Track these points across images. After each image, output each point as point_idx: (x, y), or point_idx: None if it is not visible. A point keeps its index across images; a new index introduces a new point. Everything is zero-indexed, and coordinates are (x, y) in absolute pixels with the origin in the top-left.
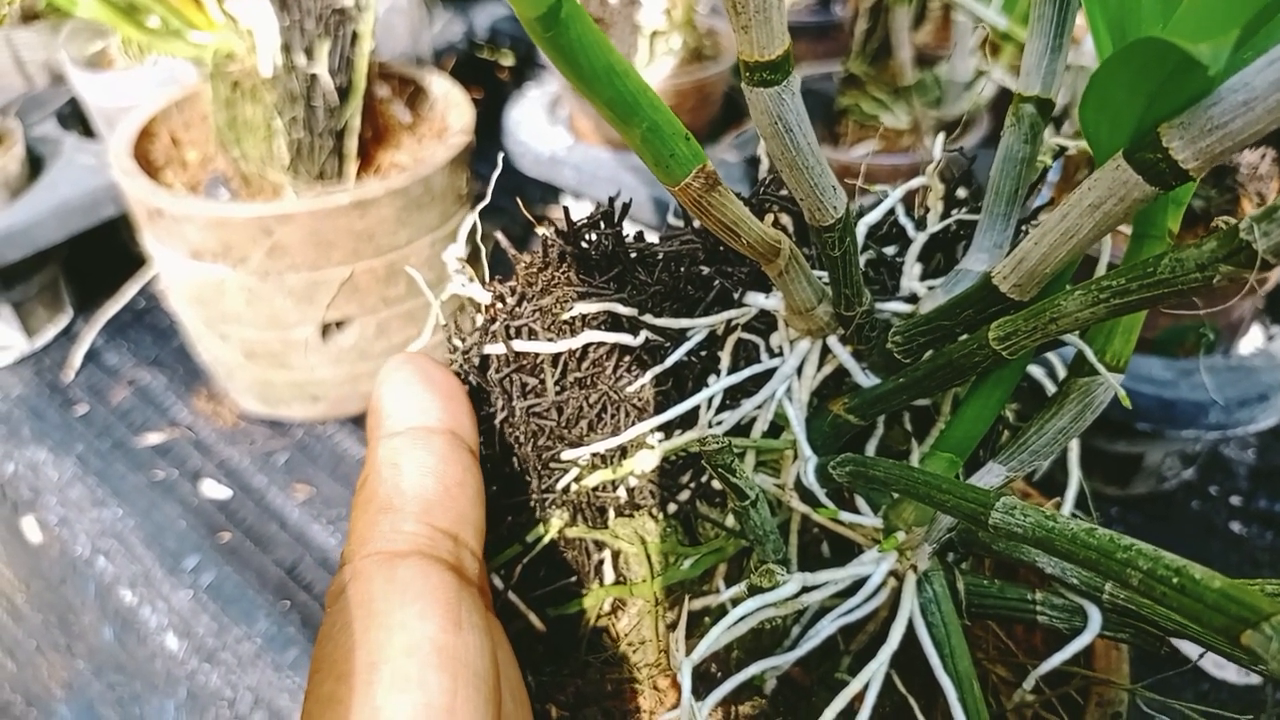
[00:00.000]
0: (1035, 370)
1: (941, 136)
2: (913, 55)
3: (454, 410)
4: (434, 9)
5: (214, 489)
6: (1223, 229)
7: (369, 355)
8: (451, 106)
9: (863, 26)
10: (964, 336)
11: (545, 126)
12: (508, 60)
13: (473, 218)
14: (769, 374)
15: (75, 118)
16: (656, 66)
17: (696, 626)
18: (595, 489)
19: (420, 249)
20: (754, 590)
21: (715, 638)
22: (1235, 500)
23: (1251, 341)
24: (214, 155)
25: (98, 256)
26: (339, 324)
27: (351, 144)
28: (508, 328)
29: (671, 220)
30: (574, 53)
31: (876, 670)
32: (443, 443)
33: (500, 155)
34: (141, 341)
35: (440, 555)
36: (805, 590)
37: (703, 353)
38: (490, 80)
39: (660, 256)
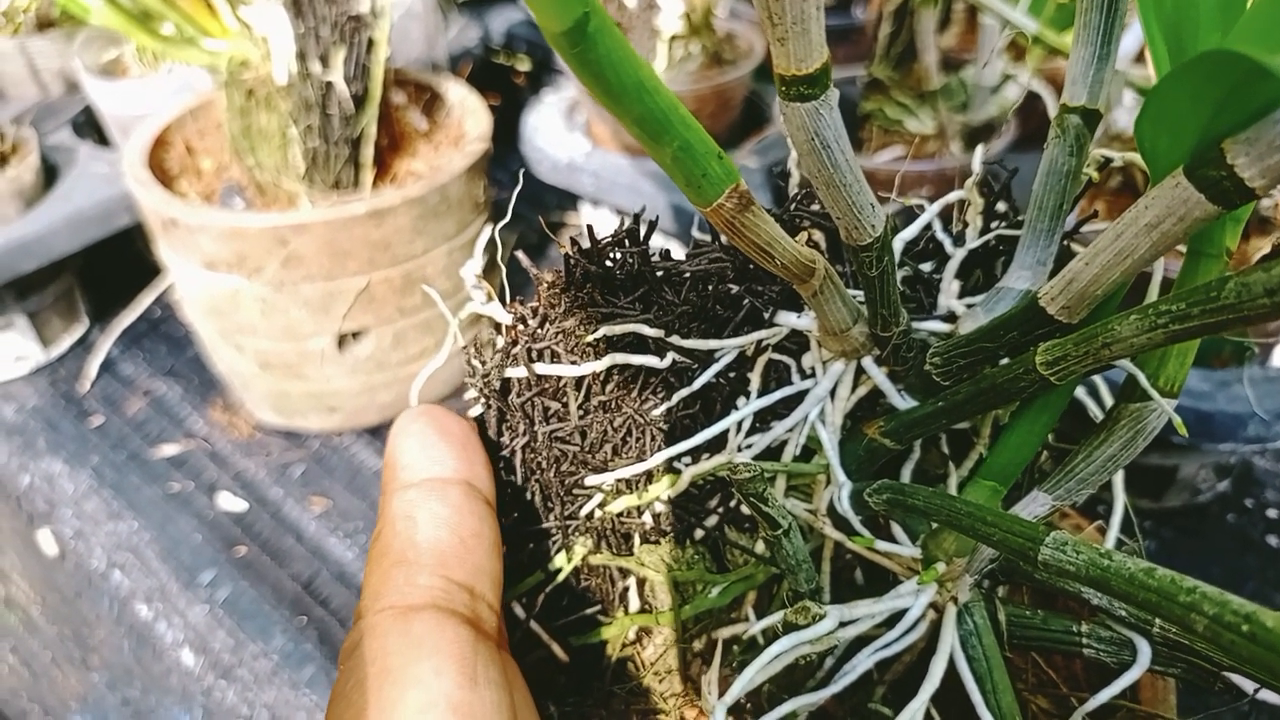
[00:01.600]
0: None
1: (981, 148)
2: (938, 59)
3: (469, 460)
4: (450, 14)
5: (230, 501)
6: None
7: (386, 366)
8: (468, 113)
9: (886, 30)
10: (1007, 360)
11: (563, 132)
12: (524, 65)
13: (490, 232)
14: (801, 396)
15: (90, 126)
16: (675, 71)
17: (726, 655)
18: (620, 515)
19: (437, 258)
20: (789, 627)
21: (749, 678)
22: (1272, 514)
23: None
24: (229, 164)
25: (113, 266)
26: (355, 334)
27: (367, 152)
28: (529, 350)
29: (696, 234)
30: (602, 69)
31: (918, 710)
32: (458, 494)
33: (520, 165)
34: (157, 352)
35: (456, 608)
36: (841, 625)
37: (732, 374)
38: (507, 86)
39: (687, 275)
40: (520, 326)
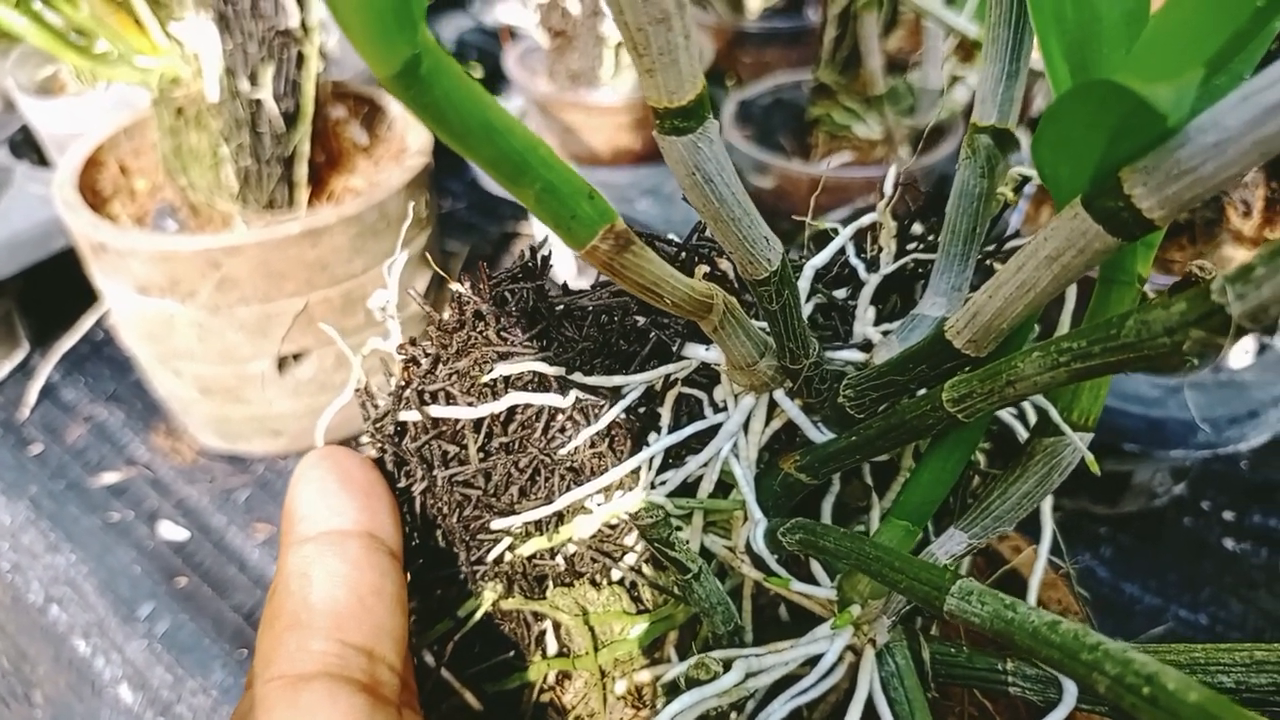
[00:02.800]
0: (1005, 413)
1: (892, 171)
2: (883, 63)
3: (372, 510)
4: None
5: (171, 530)
6: (1196, 278)
7: (329, 387)
8: (411, 126)
9: (831, 34)
10: (919, 394)
11: None
12: (477, 73)
13: (400, 260)
14: (714, 430)
15: (28, 145)
16: (622, 79)
17: (647, 697)
18: (531, 558)
19: (377, 277)
20: (691, 683)
21: None
22: (1228, 516)
23: (1243, 351)
24: (163, 184)
25: (54, 288)
26: (296, 356)
27: (301, 170)
28: (421, 393)
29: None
30: (443, 111)
31: None
32: (357, 548)
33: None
34: (99, 376)
35: (351, 675)
36: (751, 675)
37: (641, 410)
38: None
39: (589, 309)
40: (412, 368)
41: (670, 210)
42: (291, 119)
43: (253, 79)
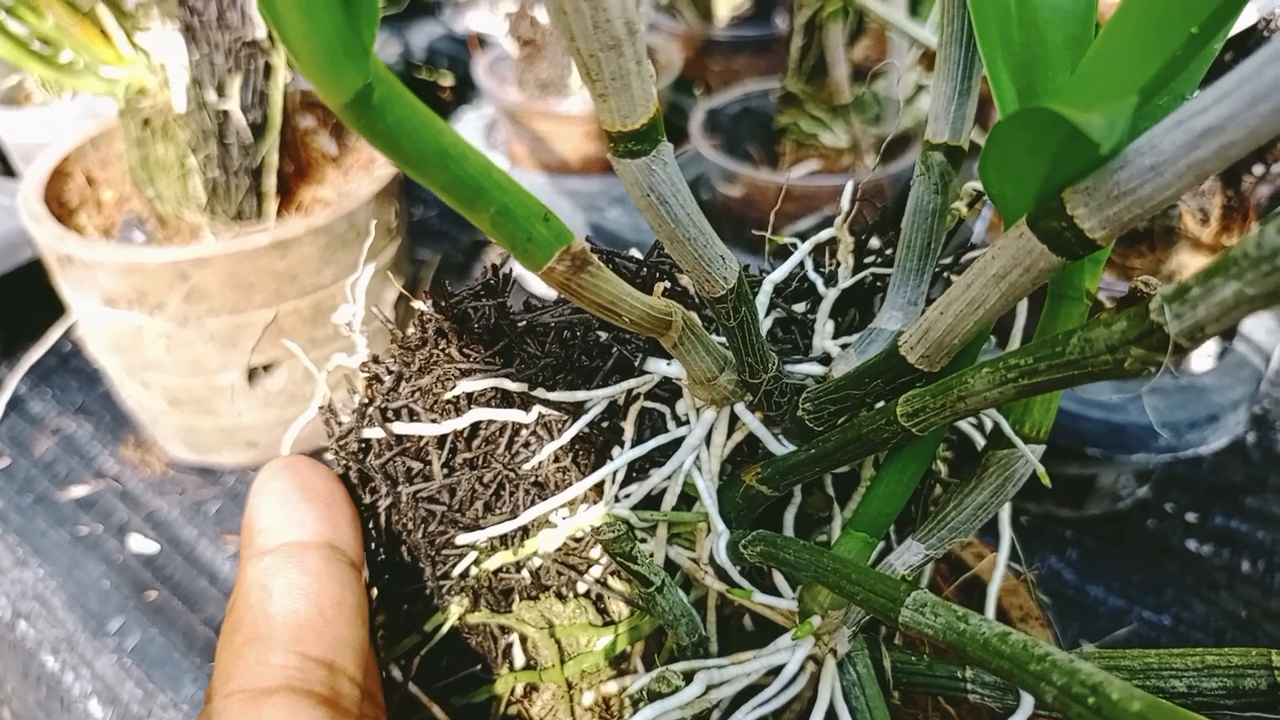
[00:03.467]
0: (966, 424)
1: (849, 186)
2: (849, 72)
3: (333, 521)
4: None
5: (141, 544)
6: (1141, 294)
7: (300, 398)
8: None
9: (798, 43)
10: (876, 407)
11: (480, 150)
12: (448, 81)
13: (365, 276)
14: (677, 444)
15: None
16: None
17: (615, 708)
18: (496, 572)
19: (347, 288)
20: (652, 696)
21: None
22: (1191, 517)
23: (1205, 355)
24: (130, 195)
25: (22, 299)
26: (266, 368)
27: (270, 181)
28: (384, 410)
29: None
30: (396, 139)
31: None
32: (318, 559)
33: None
34: (67, 388)
35: (312, 688)
36: (713, 687)
37: (605, 424)
38: (432, 102)
39: (551, 325)
40: (375, 385)
41: (640, 219)
42: (259, 130)
43: (220, 90)
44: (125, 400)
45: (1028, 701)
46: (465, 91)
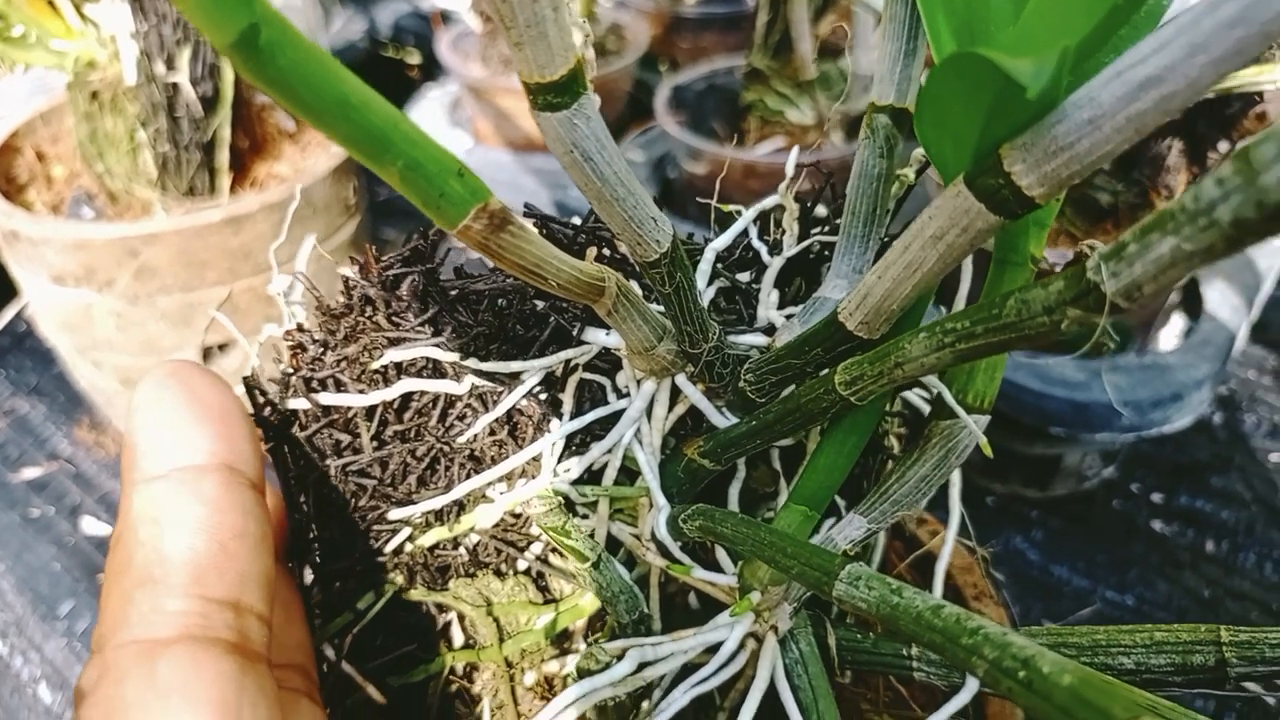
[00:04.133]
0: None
1: (796, 150)
2: (814, 48)
3: (229, 436)
4: (332, 7)
5: (94, 526)
6: (1086, 257)
7: None
8: None
9: (764, 19)
10: (817, 377)
11: (445, 128)
12: (414, 58)
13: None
14: (619, 416)
15: None
16: None
17: (558, 688)
18: (433, 549)
19: (307, 266)
20: (583, 673)
21: None
22: (1157, 498)
23: (1173, 332)
24: (81, 171)
25: None
26: (221, 347)
27: (222, 156)
28: (309, 380)
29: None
30: (291, 84)
31: None
32: (215, 485)
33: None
34: (21, 368)
35: (217, 635)
36: (647, 665)
37: (542, 396)
38: (400, 80)
39: (484, 293)
40: (300, 354)
41: None
42: (210, 103)
43: (169, 62)
44: (78, 381)
45: (973, 680)
46: (433, 69)
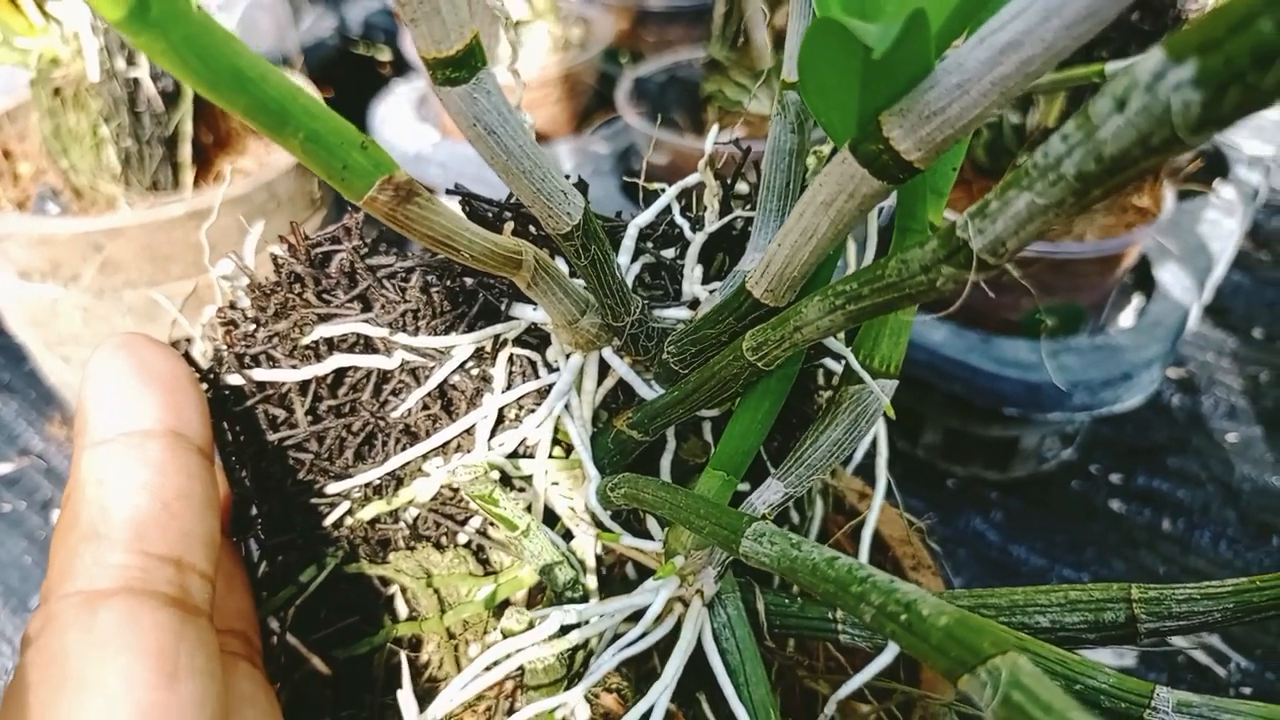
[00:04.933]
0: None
1: (715, 128)
2: (771, 38)
3: (177, 405)
4: (302, 5)
5: None
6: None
7: None
8: None
9: (721, 9)
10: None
11: (413, 123)
12: (384, 55)
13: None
14: (550, 391)
15: None
16: (520, 60)
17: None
18: (373, 522)
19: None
20: (507, 634)
21: (453, 694)
22: (1115, 478)
23: (1130, 312)
24: (47, 168)
25: None
26: (189, 340)
27: (185, 151)
28: (241, 356)
29: None
30: (184, 57)
31: (659, 697)
32: (160, 448)
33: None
34: None
35: (157, 588)
36: (570, 628)
37: (474, 371)
38: (371, 76)
39: (412, 269)
40: (232, 330)
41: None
42: (172, 98)
43: (129, 58)
44: (49, 377)
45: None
46: (403, 66)
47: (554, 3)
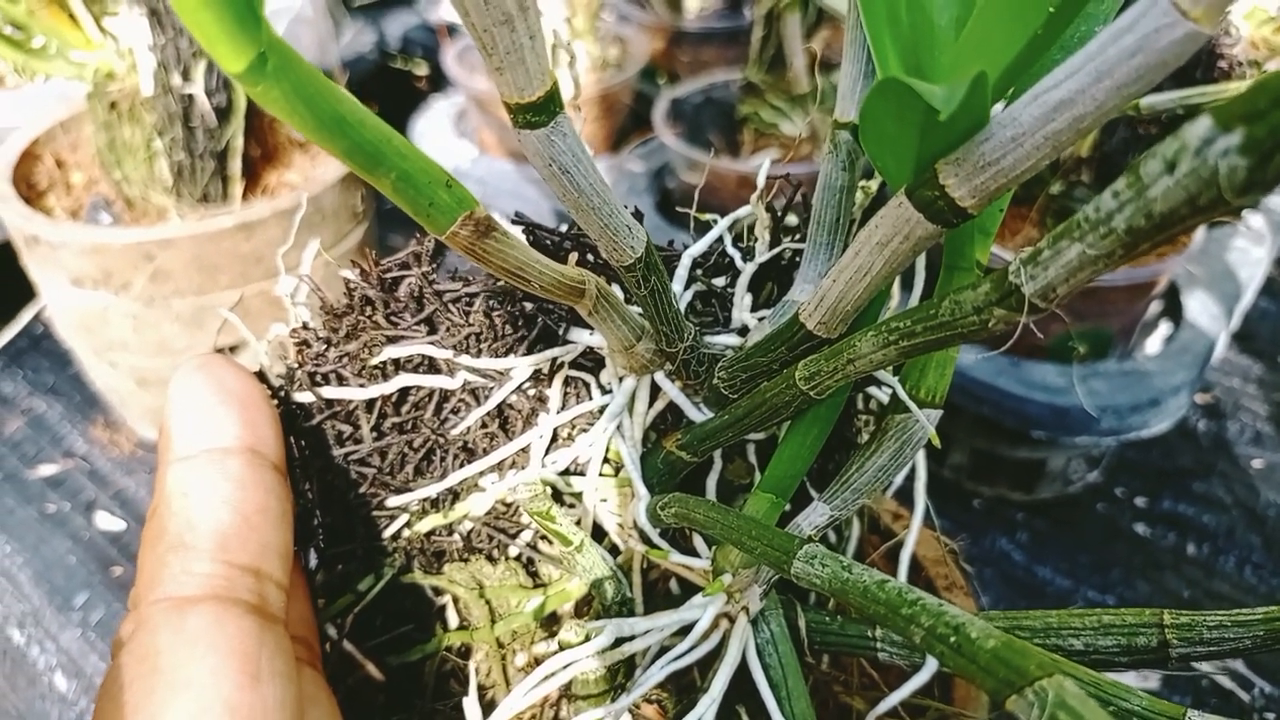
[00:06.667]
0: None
1: (767, 162)
2: (807, 62)
3: (254, 423)
4: (343, 20)
5: (108, 521)
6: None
7: None
8: None
9: (758, 34)
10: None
11: (451, 139)
12: (422, 70)
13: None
14: (602, 412)
15: None
16: (558, 76)
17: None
18: (429, 534)
19: (315, 270)
20: (564, 647)
21: (513, 702)
22: (1140, 502)
23: (1158, 339)
24: (99, 178)
25: None
26: (233, 349)
27: (235, 165)
28: (313, 375)
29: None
30: (293, 105)
31: (706, 711)
32: (240, 465)
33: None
34: (39, 369)
35: (239, 596)
36: (623, 641)
37: (531, 392)
38: (408, 91)
39: (477, 295)
40: (305, 350)
41: None
42: (224, 113)
43: (185, 74)
44: (94, 381)
45: (932, 659)
46: (440, 81)
47: (593, 23)
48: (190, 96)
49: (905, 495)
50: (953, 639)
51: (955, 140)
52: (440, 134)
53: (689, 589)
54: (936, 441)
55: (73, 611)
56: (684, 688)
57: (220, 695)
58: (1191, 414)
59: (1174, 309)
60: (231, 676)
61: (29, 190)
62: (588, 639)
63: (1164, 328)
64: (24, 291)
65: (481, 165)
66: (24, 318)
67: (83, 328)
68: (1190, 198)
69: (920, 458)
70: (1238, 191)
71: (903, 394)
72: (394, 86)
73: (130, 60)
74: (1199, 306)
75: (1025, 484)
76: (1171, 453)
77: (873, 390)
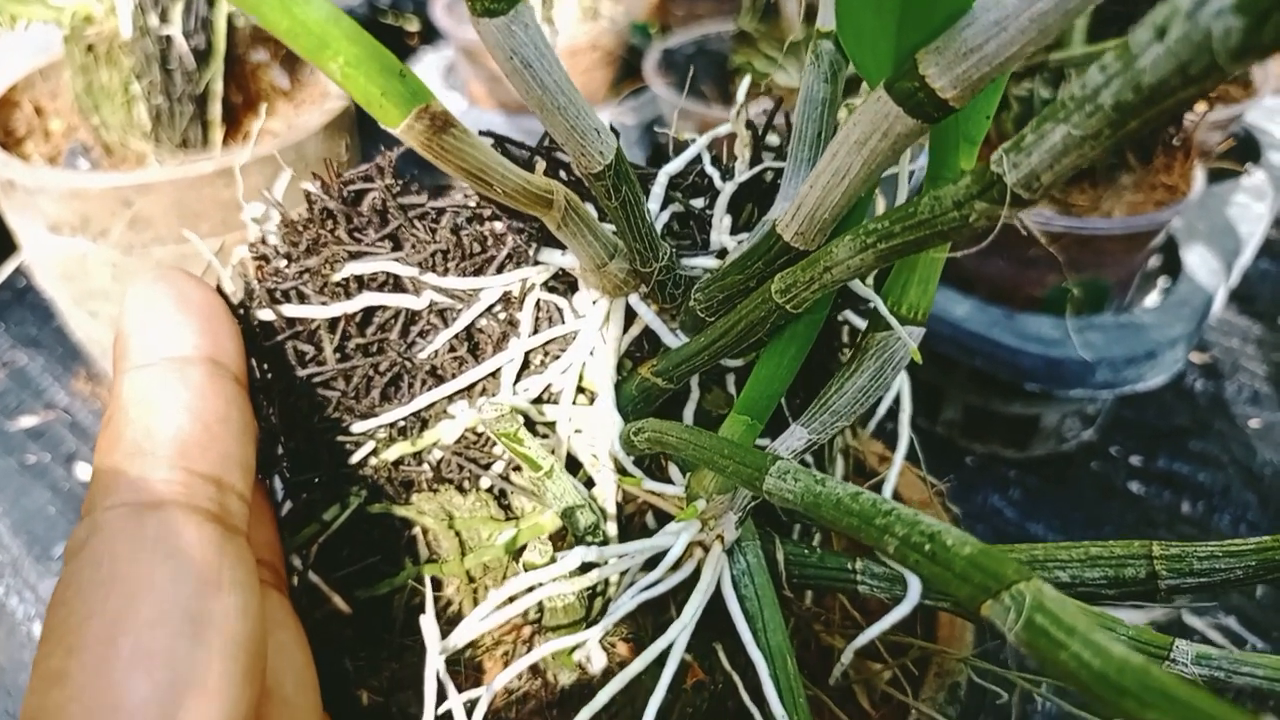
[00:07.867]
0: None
1: (747, 80)
2: (801, 9)
3: (214, 333)
4: None
5: (88, 472)
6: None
7: None
8: None
9: None
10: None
11: (441, 91)
12: (413, 25)
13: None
14: (576, 337)
15: None
16: (547, 26)
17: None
18: (397, 463)
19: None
20: (528, 568)
21: (471, 625)
22: (1135, 460)
23: (1156, 291)
24: (79, 125)
25: None
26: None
27: (215, 110)
28: (272, 291)
29: None
30: None
31: (677, 637)
32: (201, 374)
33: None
34: (22, 321)
35: (199, 504)
36: (591, 566)
37: (501, 314)
38: (399, 45)
39: (443, 210)
40: (264, 265)
41: None
42: (203, 56)
43: (162, 15)
44: (75, 331)
45: (914, 590)
46: (431, 35)
47: None
48: (168, 38)
49: (892, 439)
50: (928, 547)
51: (936, 28)
52: (430, 86)
53: (665, 523)
54: (918, 358)
55: (52, 561)
56: (661, 625)
57: (179, 602)
58: (1189, 373)
59: (1172, 263)
60: (192, 584)
61: (6, 137)
62: (552, 561)
63: (1161, 283)
64: (6, 245)
65: (470, 117)
66: (5, 270)
67: (62, 276)
68: (1181, 65)
69: (905, 388)
70: (1232, 56)
71: (883, 308)
72: (384, 41)
73: (108, 3)
74: (1198, 260)
75: (1019, 441)
76: (1168, 412)
77: (854, 320)
